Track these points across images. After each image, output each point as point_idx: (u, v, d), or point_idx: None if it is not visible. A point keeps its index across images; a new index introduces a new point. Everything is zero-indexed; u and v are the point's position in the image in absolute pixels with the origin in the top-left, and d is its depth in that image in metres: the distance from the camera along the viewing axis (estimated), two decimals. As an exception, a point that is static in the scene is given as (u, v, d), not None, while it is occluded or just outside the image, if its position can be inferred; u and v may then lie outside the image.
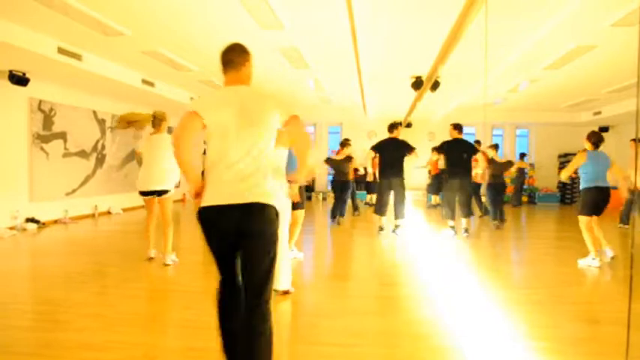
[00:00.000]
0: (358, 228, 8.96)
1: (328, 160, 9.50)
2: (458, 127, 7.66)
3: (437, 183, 12.25)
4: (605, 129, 14.35)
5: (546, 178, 15.00)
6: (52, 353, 2.96)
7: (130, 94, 9.70)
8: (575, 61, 7.22)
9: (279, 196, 3.41)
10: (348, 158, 9.27)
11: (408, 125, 15.12)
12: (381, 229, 7.85)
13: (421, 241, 7.32)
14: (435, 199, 12.61)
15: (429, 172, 12.95)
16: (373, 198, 11.07)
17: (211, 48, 7.14)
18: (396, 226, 7.79)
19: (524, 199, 14.89)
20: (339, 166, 9.20)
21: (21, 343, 3.15)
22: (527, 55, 6.89)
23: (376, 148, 7.89)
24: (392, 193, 7.77)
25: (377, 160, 8.22)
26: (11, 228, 7.58)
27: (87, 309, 3.85)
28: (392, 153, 7.74)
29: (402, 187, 7.75)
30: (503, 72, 8.05)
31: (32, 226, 7.98)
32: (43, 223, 8.28)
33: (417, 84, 8.62)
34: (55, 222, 8.73)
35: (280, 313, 3.92)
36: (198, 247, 6.99)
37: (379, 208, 7.88)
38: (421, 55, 7.13)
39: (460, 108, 12.22)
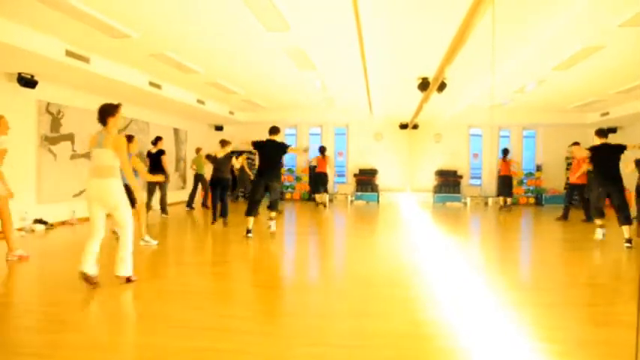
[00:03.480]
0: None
1: (208, 157, 9.27)
2: (601, 133, 7.33)
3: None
4: (613, 130, 14.24)
5: (553, 180, 14.90)
6: (60, 354, 2.97)
7: (137, 96, 9.76)
8: (583, 62, 7.17)
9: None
10: (228, 157, 9.04)
11: (415, 127, 15.11)
12: (249, 231, 7.46)
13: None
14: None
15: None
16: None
17: (218, 51, 7.17)
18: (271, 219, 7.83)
19: (531, 200, 14.84)
20: (218, 164, 8.92)
21: (29, 344, 3.17)
22: (535, 55, 6.86)
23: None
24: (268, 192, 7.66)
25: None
26: (20, 229, 7.63)
27: (94, 309, 3.87)
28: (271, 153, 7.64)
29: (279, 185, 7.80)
30: (511, 73, 8.01)
31: (40, 227, 8.04)
32: (51, 225, 8.34)
33: (424, 85, 8.60)
34: (63, 223, 8.78)
35: (285, 314, 3.93)
36: (205, 248, 7.01)
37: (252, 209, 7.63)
38: (428, 56, 7.11)
39: (467, 109, 12.17)
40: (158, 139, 9.98)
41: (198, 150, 12.37)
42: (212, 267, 5.73)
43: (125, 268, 4.50)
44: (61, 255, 6.27)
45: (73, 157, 9.08)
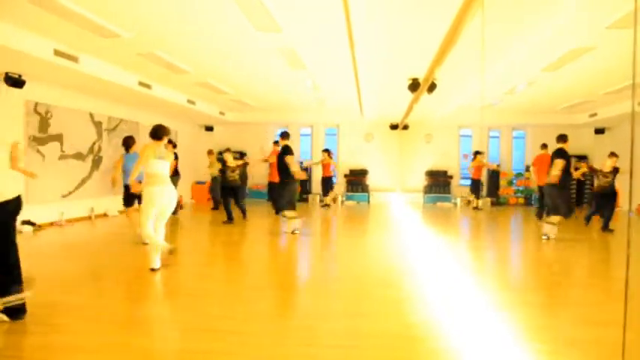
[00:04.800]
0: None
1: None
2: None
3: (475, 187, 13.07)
4: (601, 130, 14.41)
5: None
6: (48, 356, 2.94)
7: (126, 97, 9.68)
8: (573, 63, 7.24)
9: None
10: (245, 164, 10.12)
11: (405, 127, 15.15)
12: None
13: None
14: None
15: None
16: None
17: (208, 51, 7.13)
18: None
19: (521, 200, 14.95)
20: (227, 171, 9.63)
21: (17, 347, 3.13)
22: (525, 57, 6.91)
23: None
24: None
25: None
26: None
27: (83, 312, 3.83)
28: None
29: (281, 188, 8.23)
30: (501, 74, 8.06)
31: (28, 228, 7.94)
32: (39, 226, 8.24)
33: (414, 86, 8.63)
34: (51, 224, 8.69)
35: (278, 315, 3.92)
36: (197, 250, 6.97)
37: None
38: (418, 57, 7.13)
39: (457, 110, 12.23)
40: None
41: (211, 152, 12.34)
42: (204, 268, 5.70)
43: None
44: (49, 256, 6.20)
45: (61, 157, 8.98)
